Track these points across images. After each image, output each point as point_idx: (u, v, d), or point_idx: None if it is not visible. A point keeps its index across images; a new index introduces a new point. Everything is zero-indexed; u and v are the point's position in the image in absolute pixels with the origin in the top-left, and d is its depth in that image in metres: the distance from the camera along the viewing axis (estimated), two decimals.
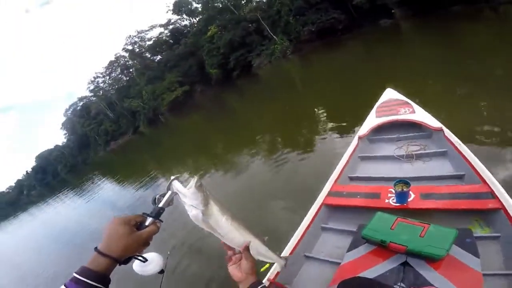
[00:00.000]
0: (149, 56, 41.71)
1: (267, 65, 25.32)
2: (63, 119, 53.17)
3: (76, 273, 0.55)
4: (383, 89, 3.21)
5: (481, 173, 1.65)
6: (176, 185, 0.68)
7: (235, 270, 0.77)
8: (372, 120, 2.75)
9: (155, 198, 0.69)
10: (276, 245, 2.33)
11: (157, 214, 0.68)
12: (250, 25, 27.39)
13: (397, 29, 15.17)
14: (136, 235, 0.62)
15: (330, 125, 5.80)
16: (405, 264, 1.26)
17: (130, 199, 8.93)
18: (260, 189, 4.63)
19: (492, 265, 1.28)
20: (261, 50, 26.25)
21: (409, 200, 1.67)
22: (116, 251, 0.58)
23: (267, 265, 1.90)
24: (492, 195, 1.48)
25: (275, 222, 3.41)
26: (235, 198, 4.65)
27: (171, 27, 39.13)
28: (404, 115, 2.54)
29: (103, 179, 18.93)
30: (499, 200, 1.42)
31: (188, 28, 37.91)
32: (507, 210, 1.36)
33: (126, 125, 41.88)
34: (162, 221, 0.69)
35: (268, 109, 10.67)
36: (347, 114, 5.92)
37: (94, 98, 45.60)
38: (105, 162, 32.23)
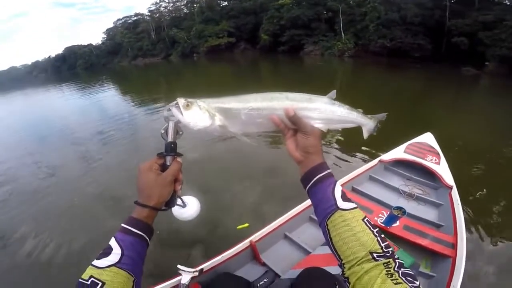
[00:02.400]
0: None
1: (317, 56, 23.41)
2: (111, 26, 54.17)
3: (123, 222, 0.58)
4: (422, 131, 3.24)
5: (458, 226, 1.89)
6: (173, 112, 0.61)
7: (290, 145, 0.63)
8: (398, 153, 2.91)
9: (162, 135, 0.65)
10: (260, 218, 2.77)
11: (171, 150, 0.64)
12: (325, 12, 25.15)
13: (476, 81, 13.06)
14: (162, 178, 0.62)
15: (349, 139, 5.14)
16: None
17: (123, 111, 9.00)
18: (254, 165, 4.27)
19: None
20: (320, 40, 24.15)
21: (393, 225, 1.92)
22: (151, 199, 0.59)
23: (245, 225, 2.55)
24: (453, 245, 1.75)
25: (259, 199, 3.32)
26: (219, 159, 4.52)
27: None
28: (428, 163, 2.69)
29: (112, 86, 19.03)
30: (456, 251, 1.68)
31: None
32: (455, 260, 1.62)
33: (161, 50, 42.54)
34: (181, 154, 0.66)
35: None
36: (372, 136, 4.53)
37: (148, 18, 46.35)
38: (123, 72, 32.57)
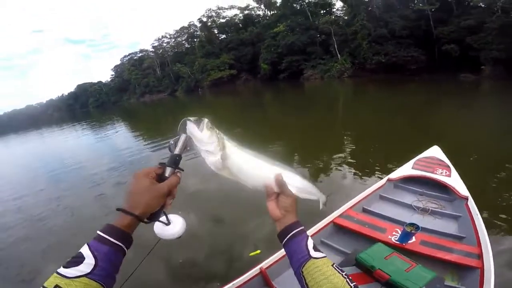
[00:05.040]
0: (216, 32, 43.06)
1: (317, 79, 24.10)
2: (118, 62, 57.48)
3: (100, 230, 0.54)
4: (429, 145, 3.21)
5: (480, 236, 1.85)
6: (190, 127, 0.63)
7: (272, 205, 0.69)
8: (406, 169, 2.87)
9: (170, 145, 0.64)
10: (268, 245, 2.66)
11: (175, 162, 0.63)
12: (318, 35, 26.35)
13: (477, 87, 13.08)
14: (156, 188, 0.59)
15: (356, 159, 5.24)
16: None
17: (134, 148, 9.36)
18: (260, 195, 3.81)
19: None
20: (318, 63, 25.01)
21: (409, 242, 1.87)
22: (138, 207, 0.56)
23: (257, 252, 2.55)
24: (479, 256, 1.69)
25: (268, 226, 3.27)
26: (232, 192, 4.32)
27: (246, 12, 40.01)
28: (439, 176, 2.65)
29: (122, 124, 19.78)
30: (482, 262, 1.64)
31: (260, 19, 38.63)
32: (483, 271, 1.57)
33: (167, 85, 44.44)
34: (182, 170, 0.64)
35: (299, 121, 10.15)
36: (379, 155, 5.43)
37: (152, 54, 49.02)
38: (132, 110, 33.73)
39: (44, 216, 4.90)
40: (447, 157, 2.95)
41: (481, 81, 13.66)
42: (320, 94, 18.50)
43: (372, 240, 1.91)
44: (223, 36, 41.71)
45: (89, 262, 0.49)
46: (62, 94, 71.90)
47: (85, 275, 0.48)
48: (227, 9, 42.48)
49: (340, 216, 2.25)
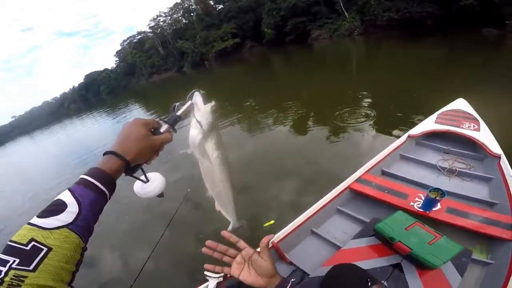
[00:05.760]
0: (212, 3, 41.18)
1: (326, 39, 23.08)
2: (119, 48, 57.19)
3: (85, 174, 0.48)
4: (453, 99, 2.93)
5: None
6: (197, 97, 0.68)
7: (249, 276, 0.64)
8: (429, 124, 2.60)
9: (175, 106, 0.67)
10: (283, 214, 2.75)
11: (173, 122, 0.65)
12: None
13: (502, 42, 12.13)
14: (151, 139, 0.58)
15: (374, 117, 5.07)
16: (397, 266, 1.35)
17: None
18: (276, 159, 4.45)
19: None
20: (325, 23, 23.73)
21: (433, 209, 1.69)
22: (130, 153, 0.53)
23: (271, 222, 2.35)
24: None
25: (283, 194, 3.37)
26: (248, 158, 4.60)
27: None
28: (466, 130, 2.38)
29: (136, 105, 20.66)
30: None
31: None
32: None
33: (172, 63, 44.19)
34: (176, 131, 0.66)
35: (311, 81, 9.93)
36: (398, 112, 5.22)
37: (151, 35, 48.09)
38: (142, 91, 34.17)
39: None
40: (475, 110, 2.65)
41: (506, 35, 12.57)
42: (331, 53, 17.93)
43: (393, 207, 1.76)
44: (220, 6, 39.69)
45: (71, 211, 0.43)
46: (73, 86, 73.04)
47: (66, 226, 0.41)
48: None
49: (357, 180, 2.08)
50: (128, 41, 54.16)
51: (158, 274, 2.70)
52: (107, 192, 0.49)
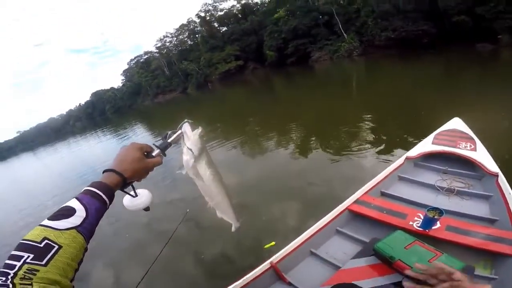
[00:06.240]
0: (216, 26, 42.89)
1: (326, 60, 23.76)
2: (126, 67, 58.85)
3: (90, 186, 0.57)
4: (449, 118, 2.96)
5: None
6: (186, 127, 0.76)
7: None
8: (426, 145, 2.63)
9: (167, 134, 0.76)
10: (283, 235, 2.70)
11: (164, 148, 0.73)
12: (320, 17, 25.70)
13: (496, 57, 12.40)
14: (145, 162, 0.66)
15: (373, 139, 5.18)
16: (397, 284, 1.32)
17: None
18: (277, 181, 4.50)
19: None
20: (325, 45, 24.56)
21: (433, 228, 1.69)
22: (127, 172, 0.62)
23: (272, 244, 2.32)
24: None
25: (283, 215, 3.44)
26: (249, 179, 4.64)
27: (243, 1, 39.59)
28: (462, 150, 2.41)
29: (139, 125, 20.98)
30: None
31: (258, 7, 38.19)
32: None
33: (177, 84, 45.08)
34: (165, 155, 0.74)
35: (312, 103, 10.19)
36: (396, 133, 5.33)
37: (157, 55, 49.51)
38: (147, 111, 34.73)
39: None
40: (471, 129, 2.70)
41: (500, 50, 12.96)
42: (331, 74, 18.35)
43: (392, 227, 1.77)
44: (224, 28, 41.45)
45: (80, 215, 0.50)
46: (80, 104, 74.94)
47: (75, 227, 0.48)
48: (223, 1, 42.20)
49: (356, 202, 2.11)
50: (135, 60, 55.64)
51: None
52: (108, 202, 0.57)
